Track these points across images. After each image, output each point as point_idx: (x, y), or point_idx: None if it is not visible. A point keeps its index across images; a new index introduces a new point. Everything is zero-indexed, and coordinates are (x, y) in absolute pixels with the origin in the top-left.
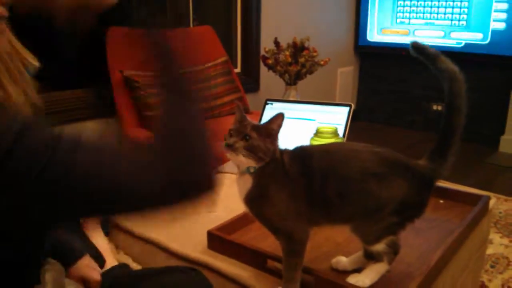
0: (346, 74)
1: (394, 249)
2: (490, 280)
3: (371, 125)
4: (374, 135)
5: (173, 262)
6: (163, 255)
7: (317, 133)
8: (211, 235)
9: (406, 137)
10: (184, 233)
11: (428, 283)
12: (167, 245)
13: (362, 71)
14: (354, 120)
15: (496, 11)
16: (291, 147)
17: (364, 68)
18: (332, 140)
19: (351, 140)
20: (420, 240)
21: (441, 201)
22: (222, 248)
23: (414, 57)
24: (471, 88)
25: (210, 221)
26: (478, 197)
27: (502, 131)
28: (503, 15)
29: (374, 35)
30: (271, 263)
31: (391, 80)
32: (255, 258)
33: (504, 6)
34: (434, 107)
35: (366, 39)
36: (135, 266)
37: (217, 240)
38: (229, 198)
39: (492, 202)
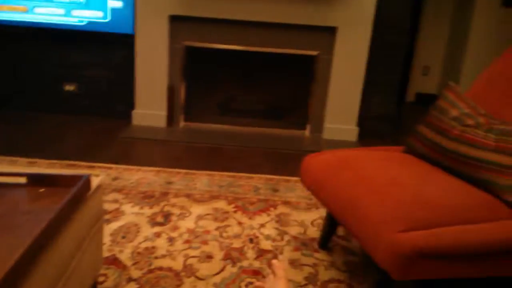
0: None
1: None
2: (121, 251)
3: (3, 112)
4: (4, 122)
5: None
6: None
7: None
8: None
9: (42, 121)
10: None
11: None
12: None
13: None
14: None
15: None
16: None
17: None
18: None
19: None
20: (9, 237)
21: (42, 190)
22: None
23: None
24: (100, 66)
25: None
26: (79, 177)
27: (133, 106)
28: None
29: None
30: None
31: (20, 60)
32: None
33: None
34: (67, 87)
35: None
36: None
37: None
38: None
39: (113, 174)
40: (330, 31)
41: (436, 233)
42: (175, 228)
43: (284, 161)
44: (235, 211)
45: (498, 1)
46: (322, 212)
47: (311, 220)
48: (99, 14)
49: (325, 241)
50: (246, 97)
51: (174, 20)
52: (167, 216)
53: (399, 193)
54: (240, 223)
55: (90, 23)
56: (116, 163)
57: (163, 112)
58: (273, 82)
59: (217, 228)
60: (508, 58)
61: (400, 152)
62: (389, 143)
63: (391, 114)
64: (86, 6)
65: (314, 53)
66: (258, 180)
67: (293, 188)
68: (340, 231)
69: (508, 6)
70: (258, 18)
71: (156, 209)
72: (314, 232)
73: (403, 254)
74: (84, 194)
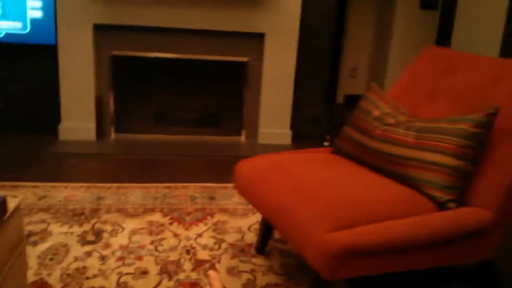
0: None
1: None
2: (50, 274)
3: None
4: None
5: None
6: None
7: None
8: None
9: None
10: None
11: None
12: None
13: None
14: None
15: None
16: None
17: None
18: None
19: None
20: None
21: None
22: None
23: None
24: (22, 80)
25: None
26: None
27: (59, 119)
28: (38, 4)
29: None
30: None
31: None
32: None
33: None
34: None
35: None
36: None
37: None
38: None
39: (40, 192)
40: (259, 37)
41: (361, 231)
42: (107, 245)
43: (220, 168)
44: (170, 223)
45: (416, 4)
46: (259, 216)
47: (248, 225)
48: (18, 25)
49: (262, 246)
50: (180, 106)
51: (100, 29)
52: (98, 234)
53: (326, 193)
54: (176, 235)
55: (7, 34)
56: (43, 181)
57: (92, 125)
58: (207, 89)
59: (152, 242)
60: (424, 58)
61: (328, 153)
62: (320, 144)
63: (321, 116)
64: (3, 17)
65: (244, 59)
66: (195, 189)
67: (230, 195)
68: (277, 234)
69: (425, 8)
70: (188, 25)
71: (86, 227)
72: (252, 238)
73: (331, 253)
74: (0, 217)
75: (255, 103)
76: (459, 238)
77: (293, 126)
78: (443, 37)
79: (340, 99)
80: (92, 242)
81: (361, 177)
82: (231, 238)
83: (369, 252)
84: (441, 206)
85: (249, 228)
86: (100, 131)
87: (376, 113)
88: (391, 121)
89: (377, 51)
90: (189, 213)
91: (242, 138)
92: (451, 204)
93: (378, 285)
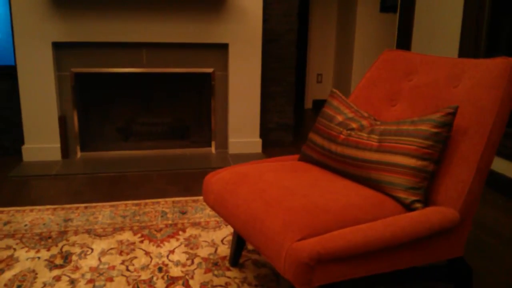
0: None
1: None
2: None
3: None
4: None
5: None
6: None
7: None
8: None
9: None
10: None
11: None
12: None
13: None
14: None
15: None
16: None
17: None
18: None
19: None
20: None
21: None
22: None
23: None
24: None
25: None
26: None
27: (22, 141)
28: None
29: None
30: None
31: None
32: None
33: None
34: None
35: None
36: None
37: None
38: None
39: (4, 218)
40: (223, 48)
41: (329, 237)
42: (76, 268)
43: (191, 181)
44: (141, 241)
45: (376, 8)
46: (232, 228)
47: (221, 238)
48: None
49: (236, 258)
50: (148, 120)
51: (59, 47)
52: (66, 257)
53: (293, 202)
54: (147, 253)
55: None
56: (7, 205)
57: (56, 145)
58: (174, 102)
59: (122, 262)
60: (383, 61)
61: (295, 160)
62: (292, 151)
63: (290, 123)
64: None
65: (209, 70)
66: (165, 204)
67: (202, 208)
68: (250, 245)
69: (384, 11)
70: (150, 39)
71: (54, 250)
72: (225, 250)
73: (301, 262)
74: None
75: (224, 113)
76: (427, 238)
77: (262, 134)
78: (403, 40)
79: (309, 104)
80: (61, 266)
81: (328, 183)
82: (204, 252)
83: (338, 258)
84: (407, 207)
85: (222, 241)
86: (66, 151)
87: (340, 118)
88: (354, 125)
89: (341, 55)
90: (160, 230)
91: (212, 149)
92: (417, 205)
93: None
